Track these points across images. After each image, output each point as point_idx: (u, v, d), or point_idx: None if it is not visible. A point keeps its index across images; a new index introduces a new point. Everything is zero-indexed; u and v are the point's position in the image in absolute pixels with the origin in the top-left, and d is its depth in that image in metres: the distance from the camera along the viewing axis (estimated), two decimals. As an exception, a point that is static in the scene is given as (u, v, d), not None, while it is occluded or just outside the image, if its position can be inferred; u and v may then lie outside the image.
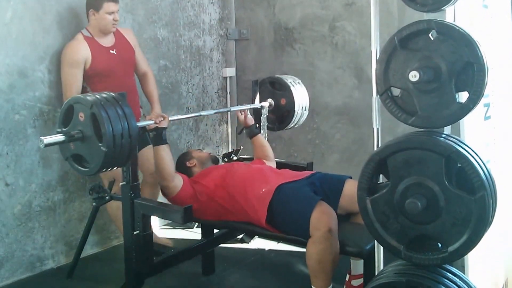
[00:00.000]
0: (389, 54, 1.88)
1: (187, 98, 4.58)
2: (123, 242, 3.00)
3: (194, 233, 4.15)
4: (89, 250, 3.82)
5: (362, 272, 2.97)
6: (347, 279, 3.03)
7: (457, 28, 1.77)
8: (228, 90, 5.02)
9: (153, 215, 2.99)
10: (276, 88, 3.87)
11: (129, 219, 2.85)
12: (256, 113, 3.76)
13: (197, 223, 4.12)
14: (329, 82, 4.45)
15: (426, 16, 1.92)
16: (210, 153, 3.44)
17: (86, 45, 3.42)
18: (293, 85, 3.80)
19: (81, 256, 3.48)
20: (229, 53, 5.03)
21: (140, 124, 2.83)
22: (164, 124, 2.93)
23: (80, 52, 3.40)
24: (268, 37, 4.81)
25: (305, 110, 3.86)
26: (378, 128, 2.13)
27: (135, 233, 2.84)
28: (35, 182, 3.49)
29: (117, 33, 3.61)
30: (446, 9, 1.91)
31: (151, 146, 3.15)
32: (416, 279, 1.79)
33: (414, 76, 1.77)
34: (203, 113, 3.56)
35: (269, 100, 3.83)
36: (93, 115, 2.46)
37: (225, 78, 5.01)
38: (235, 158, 3.66)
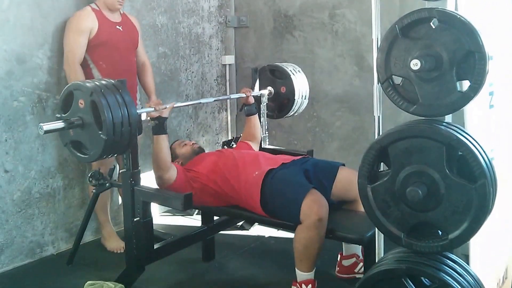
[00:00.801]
0: (390, 43, 1.88)
1: (186, 86, 4.58)
2: (123, 228, 3.01)
3: (194, 220, 4.17)
4: (89, 237, 3.83)
5: (354, 253, 3.10)
6: (338, 259, 3.15)
7: (458, 16, 1.77)
8: (227, 78, 5.01)
9: (153, 202, 3.00)
10: (276, 76, 3.86)
11: (129, 206, 2.86)
12: (256, 101, 3.74)
13: (197, 210, 4.14)
14: (329, 70, 4.45)
15: (428, 4, 1.93)
16: (193, 143, 3.47)
17: (93, 16, 3.43)
18: (293, 73, 3.79)
19: (81, 242, 3.46)
20: (228, 41, 5.02)
21: (139, 111, 2.83)
22: (165, 113, 2.93)
23: (87, 20, 3.41)
24: (268, 25, 4.80)
25: (305, 99, 3.85)
26: (379, 116, 2.14)
27: (135, 219, 2.86)
28: (35, 169, 3.50)
29: (124, 15, 3.65)
30: (447, -3, 1.92)
31: None
32: (416, 266, 1.81)
33: (415, 64, 1.77)
34: (202, 100, 3.57)
35: (269, 88, 3.83)
36: (93, 103, 2.46)
37: (224, 65, 5.00)
38: (234, 145, 3.67)
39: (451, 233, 1.77)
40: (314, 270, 2.75)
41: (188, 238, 3.32)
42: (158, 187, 3.03)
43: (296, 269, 2.77)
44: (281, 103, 3.86)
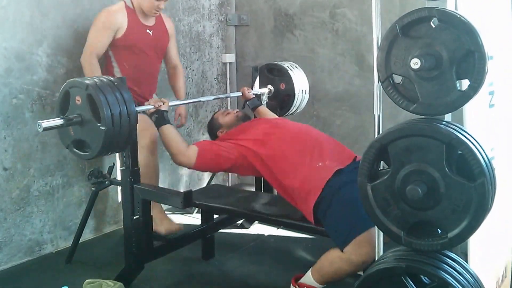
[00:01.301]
0: (391, 42, 1.88)
1: (186, 84, 4.58)
2: (122, 227, 3.02)
3: (194, 218, 4.17)
4: (88, 235, 3.84)
5: None
6: None
7: (458, 16, 1.77)
8: (228, 76, 5.02)
9: (153, 200, 3.01)
10: (274, 74, 3.87)
11: (129, 204, 2.87)
12: (257, 98, 3.76)
13: (197, 209, 4.14)
14: (330, 69, 4.45)
15: (428, 4, 1.93)
16: (237, 111, 3.44)
17: (125, 14, 3.39)
18: (291, 69, 3.81)
19: (80, 240, 3.49)
20: (228, 39, 5.03)
21: (139, 109, 2.84)
22: (164, 107, 2.99)
23: (116, 18, 3.37)
24: (268, 23, 4.80)
25: (305, 94, 3.86)
26: (379, 115, 2.14)
27: (135, 218, 2.87)
28: (34, 167, 3.50)
29: (159, 19, 3.60)
30: (447, -3, 1.92)
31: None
32: (416, 264, 1.81)
33: (415, 63, 1.78)
34: (202, 99, 3.58)
35: (269, 86, 3.83)
36: (90, 96, 2.47)
37: (225, 64, 5.00)
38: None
39: (451, 231, 1.77)
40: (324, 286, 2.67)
41: (187, 236, 3.33)
42: None
43: (310, 275, 2.66)
44: (282, 100, 3.87)
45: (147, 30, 3.49)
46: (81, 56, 3.38)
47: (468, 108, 2.09)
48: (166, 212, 4.29)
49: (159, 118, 2.99)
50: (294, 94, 3.80)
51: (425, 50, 1.80)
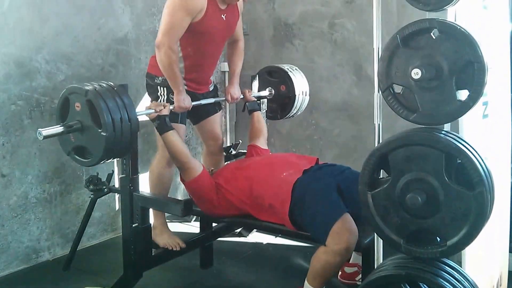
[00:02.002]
0: (392, 52, 1.91)
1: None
2: (120, 234, 3.01)
3: (192, 227, 4.17)
4: (85, 242, 3.82)
5: (356, 263, 3.09)
6: None
7: (458, 27, 1.81)
8: (226, 84, 5.01)
9: (152, 208, 3.01)
10: (274, 77, 3.83)
11: (128, 212, 2.87)
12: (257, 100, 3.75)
13: (195, 217, 4.15)
14: (328, 78, 4.48)
15: (428, 15, 1.96)
16: (211, 169, 3.29)
17: None
18: (291, 71, 3.78)
19: (78, 248, 3.45)
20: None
21: (139, 113, 2.71)
22: (165, 112, 2.86)
23: (198, 2, 2.98)
24: (268, 33, 4.83)
25: (305, 95, 3.82)
26: (379, 124, 2.17)
27: (133, 225, 2.86)
28: (31, 174, 3.49)
29: None
30: (447, 9, 1.95)
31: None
32: (415, 272, 1.83)
33: (416, 73, 1.81)
34: (203, 101, 3.55)
35: (268, 89, 3.81)
36: (89, 102, 2.43)
37: (224, 72, 5.00)
38: (233, 152, 3.69)
39: (450, 239, 1.79)
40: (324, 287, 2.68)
41: (186, 244, 3.32)
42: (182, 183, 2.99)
43: (306, 282, 2.66)
44: (283, 102, 3.83)
45: (222, 15, 3.16)
46: (158, 39, 2.98)
47: (465, 118, 2.11)
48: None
49: (161, 124, 2.86)
50: (295, 95, 3.75)
51: (426, 60, 1.83)
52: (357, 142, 4.35)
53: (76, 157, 2.61)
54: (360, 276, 3.01)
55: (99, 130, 2.42)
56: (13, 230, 3.41)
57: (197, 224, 3.62)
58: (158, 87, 3.16)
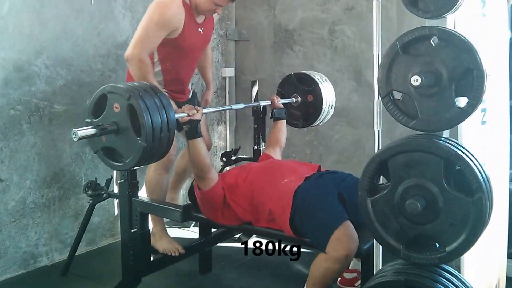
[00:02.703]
0: (392, 59, 1.93)
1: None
2: (118, 240, 3.00)
3: (192, 232, 4.18)
4: (84, 248, 3.81)
5: (356, 269, 3.08)
6: None
7: (458, 35, 1.82)
8: (227, 90, 5.05)
9: (151, 213, 3.01)
10: (303, 84, 3.77)
11: (127, 217, 2.86)
12: (255, 112, 3.73)
13: (194, 222, 4.15)
14: (328, 84, 4.50)
15: (428, 22, 1.97)
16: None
17: (183, 12, 3.06)
18: (321, 82, 3.72)
19: (76, 253, 3.47)
20: (228, 53, 5.07)
21: (177, 116, 2.65)
22: (197, 116, 2.76)
23: (174, 18, 3.03)
24: (268, 38, 4.85)
25: (331, 108, 3.78)
26: (379, 130, 2.18)
27: (132, 231, 2.85)
28: (30, 179, 3.48)
29: None
30: (447, 16, 1.96)
31: None
32: (414, 278, 1.83)
33: (416, 80, 1.82)
34: (234, 106, 3.53)
35: (294, 96, 3.78)
36: (131, 107, 2.31)
37: (224, 78, 5.03)
38: (233, 157, 3.69)
39: (449, 245, 1.80)
40: None
41: (185, 250, 3.32)
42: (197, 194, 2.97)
43: None
44: (307, 112, 3.79)
45: (199, 29, 3.23)
46: (128, 51, 3.01)
47: (464, 125, 2.13)
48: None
49: (192, 129, 2.76)
50: (321, 108, 3.70)
51: (425, 67, 1.85)
52: (356, 148, 4.36)
53: (105, 158, 2.49)
54: (360, 282, 3.02)
55: (137, 138, 2.32)
56: (11, 235, 3.40)
57: (196, 229, 3.62)
58: None
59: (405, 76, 1.89)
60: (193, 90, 3.63)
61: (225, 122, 5.09)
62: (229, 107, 3.46)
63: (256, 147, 3.73)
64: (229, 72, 5.02)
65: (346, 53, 4.39)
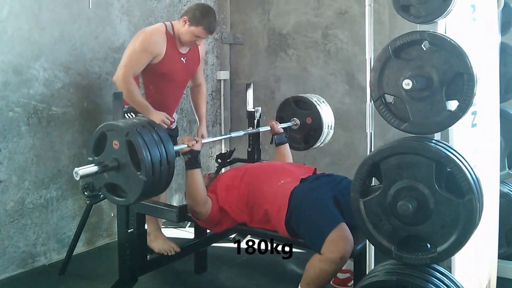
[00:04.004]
0: (383, 63, 1.95)
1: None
2: (115, 240, 3.03)
3: (187, 232, 4.21)
4: (81, 248, 3.85)
5: (349, 269, 3.11)
6: None
7: (448, 39, 1.85)
8: (222, 93, 5.09)
9: (148, 214, 3.04)
10: (300, 107, 3.79)
11: (123, 217, 2.88)
12: (250, 116, 3.78)
13: (189, 222, 4.18)
14: (321, 88, 4.53)
15: (419, 27, 2.01)
16: (209, 173, 3.31)
17: (165, 41, 3.38)
18: (318, 104, 3.73)
19: (73, 253, 3.50)
20: (223, 57, 5.11)
21: (175, 148, 2.66)
22: (197, 147, 2.77)
23: (157, 45, 3.34)
24: (262, 42, 4.89)
25: (330, 129, 3.79)
26: (371, 133, 2.21)
27: (129, 231, 2.88)
28: (28, 179, 3.51)
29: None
30: (438, 21, 1.99)
31: None
32: (406, 278, 1.86)
33: (407, 84, 1.84)
34: (233, 134, 3.53)
35: (294, 119, 3.79)
36: (129, 143, 2.32)
37: (219, 81, 5.07)
38: (228, 159, 3.71)
39: (440, 246, 1.82)
40: None
41: (181, 250, 3.35)
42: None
43: None
44: (307, 134, 3.79)
45: (182, 58, 3.49)
46: (116, 76, 3.34)
47: (455, 128, 2.16)
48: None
49: (192, 159, 2.77)
50: (322, 129, 3.72)
51: (417, 71, 1.88)
52: (349, 150, 4.40)
53: (109, 194, 2.47)
54: (353, 282, 3.05)
55: (138, 173, 2.31)
56: (9, 235, 3.43)
57: (192, 230, 3.65)
58: (126, 114, 3.33)
59: (397, 79, 1.92)
60: (177, 125, 3.82)
61: (220, 124, 5.13)
62: (228, 135, 3.46)
63: (250, 149, 3.77)
64: (224, 75, 5.06)
65: (339, 56, 4.44)
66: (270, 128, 3.55)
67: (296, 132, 3.81)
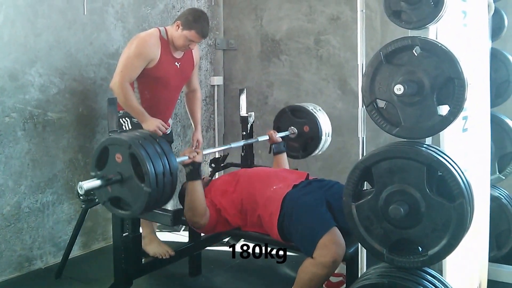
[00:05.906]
0: (375, 68, 1.97)
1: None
2: (110, 243, 3.04)
3: (181, 236, 4.23)
4: (77, 251, 3.87)
5: (341, 273, 3.11)
6: None
7: (439, 45, 1.87)
8: (216, 98, 5.10)
9: (142, 217, 3.05)
10: (297, 116, 3.81)
11: (118, 221, 2.90)
12: (243, 121, 3.80)
13: (184, 226, 4.19)
14: (314, 93, 4.56)
15: (411, 33, 2.03)
16: (204, 177, 3.29)
17: (159, 46, 3.40)
18: (315, 112, 3.76)
19: (69, 257, 3.52)
20: (217, 62, 5.12)
21: (178, 160, 2.67)
22: (198, 158, 2.77)
23: (151, 51, 3.36)
24: (255, 48, 4.92)
25: (328, 136, 3.81)
26: (363, 137, 2.23)
27: (124, 234, 2.90)
28: (24, 184, 3.53)
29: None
30: (429, 27, 2.01)
31: None
32: (397, 280, 1.88)
33: (399, 89, 1.87)
34: (233, 145, 3.55)
35: (292, 128, 3.81)
36: (132, 156, 2.33)
37: (213, 86, 5.08)
38: (222, 164, 3.73)
39: (431, 249, 1.84)
40: None
41: (175, 253, 3.37)
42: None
43: None
44: (305, 143, 3.82)
45: (176, 63, 3.51)
46: (112, 82, 3.31)
47: (446, 132, 2.18)
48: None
49: (194, 171, 2.77)
50: (320, 137, 3.74)
51: (408, 76, 1.90)
52: (341, 154, 4.42)
53: (114, 208, 2.49)
54: (345, 285, 3.06)
55: (142, 185, 2.33)
56: (6, 238, 3.44)
57: (186, 233, 3.67)
58: (120, 119, 3.40)
59: (389, 85, 1.94)
60: (171, 131, 3.85)
61: (213, 129, 5.14)
62: (229, 146, 3.51)
63: (244, 153, 3.79)
64: (218, 80, 5.08)
65: (331, 62, 4.46)
66: (268, 138, 3.57)
67: (294, 141, 3.83)
